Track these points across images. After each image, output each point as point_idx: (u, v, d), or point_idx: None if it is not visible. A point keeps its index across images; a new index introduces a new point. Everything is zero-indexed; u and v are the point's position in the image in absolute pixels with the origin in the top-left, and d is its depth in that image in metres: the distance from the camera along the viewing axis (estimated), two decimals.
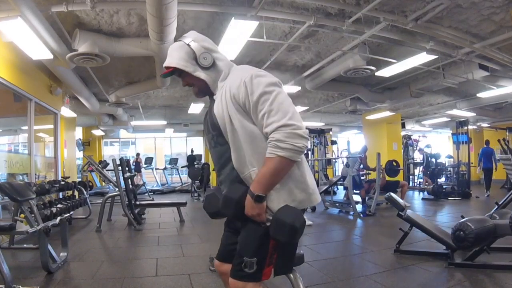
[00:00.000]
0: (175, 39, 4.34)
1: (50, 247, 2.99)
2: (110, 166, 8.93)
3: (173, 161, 13.14)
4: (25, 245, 3.76)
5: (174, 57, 1.33)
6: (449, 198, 8.12)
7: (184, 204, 5.79)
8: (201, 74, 1.33)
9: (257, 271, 1.27)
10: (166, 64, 1.34)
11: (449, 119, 11.57)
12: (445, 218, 5.74)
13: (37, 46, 4.04)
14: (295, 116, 1.20)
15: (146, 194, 9.57)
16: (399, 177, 8.22)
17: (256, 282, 1.29)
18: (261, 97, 1.21)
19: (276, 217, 1.21)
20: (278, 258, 1.33)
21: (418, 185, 11.18)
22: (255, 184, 1.22)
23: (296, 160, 1.21)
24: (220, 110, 1.30)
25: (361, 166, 7.24)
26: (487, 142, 9.50)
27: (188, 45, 1.33)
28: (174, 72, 1.35)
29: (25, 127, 5.63)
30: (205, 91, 1.40)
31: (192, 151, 12.30)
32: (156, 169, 13.50)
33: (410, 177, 11.52)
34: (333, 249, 4.00)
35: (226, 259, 1.45)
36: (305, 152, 1.21)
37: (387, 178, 7.40)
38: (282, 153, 1.17)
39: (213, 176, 11.86)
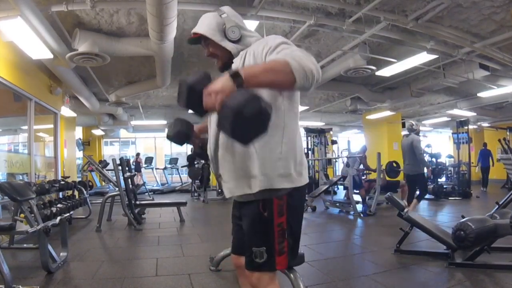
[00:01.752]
0: (175, 39, 4.34)
1: (50, 247, 2.98)
2: (110, 166, 8.93)
3: (173, 161, 13.14)
4: (25, 245, 3.76)
5: (204, 24, 1.33)
6: (450, 198, 8.12)
7: (184, 204, 5.79)
8: (227, 44, 1.31)
9: (269, 259, 1.26)
10: (194, 30, 1.34)
11: (450, 118, 11.56)
12: (446, 218, 5.74)
13: (37, 45, 4.04)
14: (310, 59, 1.10)
15: (146, 194, 9.56)
16: (400, 177, 8.21)
17: (271, 272, 1.28)
18: (279, 45, 1.18)
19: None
20: (289, 246, 1.30)
21: None
22: (243, 68, 1.07)
23: (296, 82, 1.04)
24: (236, 66, 1.29)
25: (361, 166, 7.23)
26: (485, 144, 10.74)
27: (220, 16, 1.33)
28: (200, 39, 1.34)
29: (25, 127, 5.63)
30: (228, 63, 1.35)
31: (192, 150, 12.28)
32: (156, 168, 13.50)
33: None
34: (333, 249, 4.00)
35: (240, 251, 1.45)
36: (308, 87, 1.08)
37: (387, 177, 7.40)
38: (291, 62, 1.03)
39: (213, 176, 11.84)
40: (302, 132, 11.76)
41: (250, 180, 1.24)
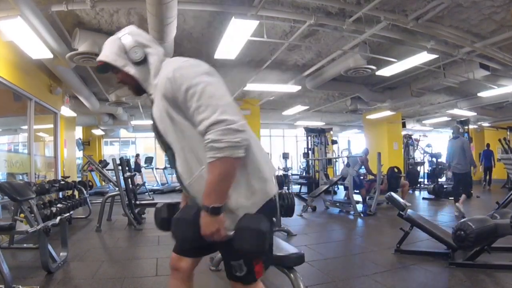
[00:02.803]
0: (175, 38, 4.34)
1: (50, 247, 2.98)
2: (110, 166, 8.93)
3: None
4: (25, 245, 3.76)
5: (107, 49, 1.27)
6: (450, 198, 8.10)
7: None
8: (130, 70, 1.24)
9: (249, 271, 1.22)
10: (98, 58, 1.29)
11: (450, 118, 11.56)
12: (446, 218, 5.73)
13: (37, 45, 4.04)
14: (228, 109, 1.09)
15: (146, 193, 9.56)
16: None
17: (253, 283, 1.25)
18: (187, 92, 1.11)
19: (239, 225, 1.12)
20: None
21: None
22: (205, 197, 1.11)
23: (239, 156, 1.09)
24: (157, 111, 1.22)
25: (361, 168, 7.23)
26: (488, 145, 11.06)
27: (120, 39, 1.26)
28: (107, 67, 1.26)
29: (25, 127, 5.62)
30: (138, 89, 1.30)
31: None
32: (156, 168, 13.49)
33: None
34: (333, 248, 3.99)
35: (184, 253, 1.37)
36: (245, 145, 1.09)
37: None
38: (221, 154, 1.06)
39: None
40: (302, 132, 11.77)
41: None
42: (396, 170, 7.63)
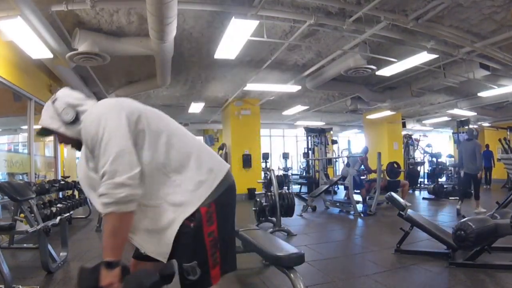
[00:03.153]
0: (175, 39, 4.34)
1: (50, 247, 2.98)
2: None
3: None
4: (25, 244, 3.76)
5: (44, 115, 1.30)
6: (450, 198, 8.11)
7: None
8: (65, 131, 1.27)
9: (203, 275, 1.17)
10: (39, 123, 1.34)
11: (450, 118, 11.55)
12: (446, 218, 5.74)
13: (37, 45, 4.04)
14: (118, 158, 1.08)
15: None
16: (400, 177, 8.20)
17: None
18: (92, 141, 1.13)
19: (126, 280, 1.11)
20: (222, 255, 1.23)
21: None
22: (103, 250, 1.10)
23: (128, 210, 1.08)
24: (81, 162, 1.30)
25: (362, 167, 7.23)
26: (487, 146, 11.29)
27: (52, 103, 1.29)
28: (47, 130, 1.30)
29: (25, 127, 5.62)
30: (80, 145, 1.31)
31: None
32: None
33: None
34: (333, 248, 3.99)
35: (143, 257, 1.34)
36: (131, 203, 1.07)
37: (387, 177, 7.39)
38: (108, 209, 1.06)
39: None
40: (302, 132, 11.77)
41: (167, 232, 1.19)
42: (395, 165, 7.64)
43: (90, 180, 1.25)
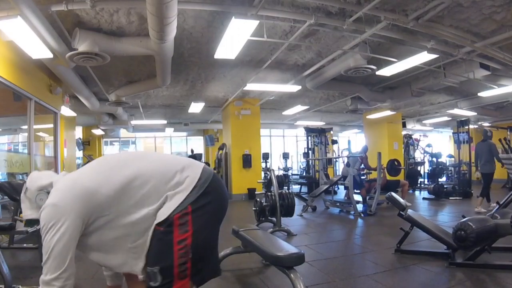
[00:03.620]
0: (175, 38, 4.34)
1: None
2: None
3: None
4: (24, 244, 3.76)
5: (23, 210, 1.31)
6: (450, 198, 8.11)
7: None
8: None
9: (166, 285, 1.09)
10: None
11: (450, 118, 11.55)
12: (446, 218, 5.74)
13: (37, 45, 4.03)
14: (48, 260, 1.10)
15: None
16: (400, 177, 8.20)
17: None
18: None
19: None
20: (193, 266, 1.13)
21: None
22: None
23: None
24: None
25: (362, 166, 7.23)
26: None
27: (25, 194, 1.28)
28: (32, 221, 1.30)
29: (25, 127, 5.62)
30: None
31: (192, 150, 12.30)
32: None
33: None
34: (333, 248, 3.99)
35: None
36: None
37: (388, 177, 7.39)
38: None
39: None
40: (303, 132, 11.77)
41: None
42: (396, 163, 7.64)
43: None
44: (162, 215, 1.14)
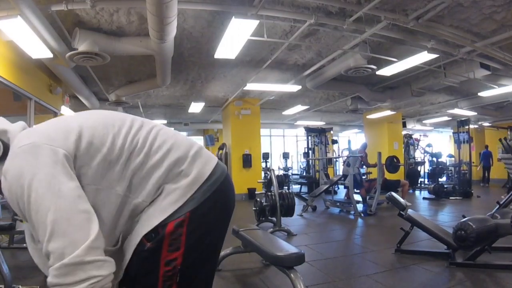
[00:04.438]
0: (175, 38, 4.34)
1: None
2: None
3: None
4: (24, 244, 3.75)
5: None
6: (450, 198, 8.11)
7: None
8: None
9: None
10: None
11: (450, 118, 11.55)
12: (446, 218, 5.73)
13: (37, 45, 4.03)
14: (58, 227, 0.72)
15: None
16: (400, 176, 8.20)
17: None
18: (18, 206, 0.78)
19: None
20: None
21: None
22: None
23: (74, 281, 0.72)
24: None
25: (362, 165, 7.23)
26: (487, 146, 11.98)
27: None
28: None
29: None
30: None
31: None
32: None
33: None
34: (333, 248, 3.99)
35: None
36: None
37: (386, 175, 7.37)
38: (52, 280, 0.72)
39: None
40: (303, 132, 11.77)
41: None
42: (395, 160, 7.64)
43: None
44: (152, 220, 0.86)
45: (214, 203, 0.92)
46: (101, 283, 0.73)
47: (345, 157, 8.40)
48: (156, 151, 0.90)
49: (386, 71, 5.95)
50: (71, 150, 0.81)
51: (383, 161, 7.26)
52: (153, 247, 0.84)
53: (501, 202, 4.14)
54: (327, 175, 8.70)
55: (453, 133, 11.65)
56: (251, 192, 8.71)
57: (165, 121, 11.94)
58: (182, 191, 0.88)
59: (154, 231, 0.85)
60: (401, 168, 10.27)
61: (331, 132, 12.54)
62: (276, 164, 13.05)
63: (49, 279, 0.72)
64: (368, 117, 11.39)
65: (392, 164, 7.55)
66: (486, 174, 11.78)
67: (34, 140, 0.80)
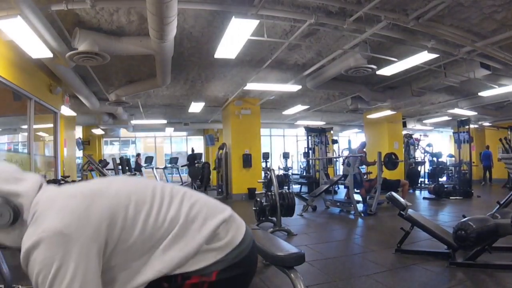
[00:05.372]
0: (175, 38, 4.33)
1: None
2: (110, 165, 8.91)
3: (173, 160, 13.14)
4: None
5: None
6: (451, 198, 8.10)
7: None
8: (2, 239, 0.89)
9: None
10: None
11: (451, 118, 11.54)
12: (447, 218, 5.73)
13: (37, 44, 4.03)
14: None
15: None
16: (401, 176, 8.20)
17: None
18: (37, 283, 0.76)
19: None
20: None
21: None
22: None
23: None
24: None
25: (361, 164, 7.23)
26: (487, 147, 12.12)
27: None
28: None
29: (25, 126, 5.62)
30: None
31: (192, 150, 12.31)
32: (156, 168, 13.51)
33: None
34: (334, 248, 3.99)
35: None
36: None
37: (386, 174, 7.35)
38: None
39: (213, 175, 11.86)
40: (303, 132, 11.77)
41: None
42: (393, 157, 7.64)
43: None
44: (175, 263, 0.84)
45: (240, 269, 0.92)
46: None
47: (344, 157, 8.41)
48: (196, 217, 0.90)
49: (386, 71, 5.95)
50: (102, 240, 0.80)
51: (382, 159, 7.26)
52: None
53: (502, 202, 4.14)
54: (327, 175, 8.70)
55: (453, 133, 11.65)
56: (251, 192, 8.71)
57: (165, 121, 11.94)
58: (215, 252, 0.88)
59: (174, 276, 0.83)
60: (401, 168, 10.28)
61: (331, 132, 12.54)
62: (276, 164, 13.05)
63: None
64: (368, 117, 11.38)
65: (390, 161, 7.54)
66: (488, 174, 11.87)
67: (63, 228, 0.76)
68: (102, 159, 11.75)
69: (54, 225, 0.76)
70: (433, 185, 8.46)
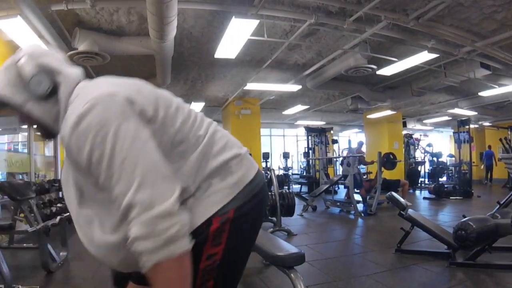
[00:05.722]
0: (175, 38, 4.33)
1: (50, 247, 2.98)
2: None
3: None
4: (24, 244, 3.76)
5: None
6: (451, 198, 8.10)
7: None
8: (32, 108, 0.87)
9: None
10: None
11: (451, 118, 11.55)
12: (447, 218, 5.73)
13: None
14: (147, 178, 0.74)
15: None
16: (401, 176, 8.20)
17: None
18: (91, 155, 0.75)
19: None
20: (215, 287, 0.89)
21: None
22: None
23: (183, 250, 0.75)
24: (64, 174, 0.94)
25: (360, 164, 7.23)
26: (489, 147, 12.13)
27: (17, 64, 0.86)
28: (2, 104, 0.87)
29: (25, 126, 5.61)
30: (49, 133, 0.96)
31: None
32: None
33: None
34: (334, 248, 3.99)
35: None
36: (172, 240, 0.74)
37: (386, 174, 7.35)
38: (154, 258, 0.72)
39: None
40: (303, 132, 11.76)
41: None
42: (391, 156, 7.64)
43: (87, 207, 0.89)
44: (200, 214, 0.86)
45: (254, 204, 0.94)
46: (185, 229, 0.76)
47: (342, 158, 8.41)
48: (217, 142, 0.94)
49: (386, 71, 5.95)
50: (149, 116, 0.82)
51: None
52: (198, 240, 0.83)
53: (502, 202, 4.14)
54: (327, 175, 8.69)
55: (454, 132, 11.65)
56: None
57: None
58: (229, 190, 0.90)
59: (200, 226, 0.85)
60: (401, 168, 10.28)
61: (331, 132, 12.54)
62: (276, 164, 13.04)
63: (136, 230, 0.72)
64: (368, 116, 11.38)
65: (389, 160, 7.54)
66: (489, 174, 11.95)
67: (122, 92, 0.79)
68: None
69: (111, 90, 0.80)
70: (433, 185, 8.45)
